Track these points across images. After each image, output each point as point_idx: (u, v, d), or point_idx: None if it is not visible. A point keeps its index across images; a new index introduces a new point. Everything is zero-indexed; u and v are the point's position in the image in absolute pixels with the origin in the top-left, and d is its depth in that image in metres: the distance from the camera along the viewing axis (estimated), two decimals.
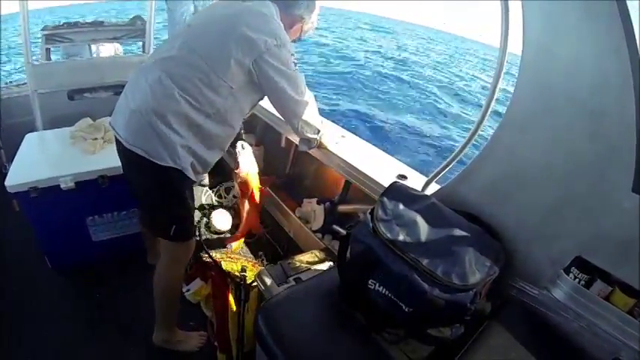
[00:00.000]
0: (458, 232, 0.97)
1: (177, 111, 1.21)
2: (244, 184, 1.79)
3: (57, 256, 1.90)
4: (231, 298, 1.51)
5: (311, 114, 1.44)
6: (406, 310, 0.90)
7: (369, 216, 1.01)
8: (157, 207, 1.37)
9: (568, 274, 0.95)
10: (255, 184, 2.01)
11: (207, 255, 1.86)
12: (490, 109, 1.10)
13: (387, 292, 0.92)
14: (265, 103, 2.47)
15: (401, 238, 0.94)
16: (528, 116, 1.00)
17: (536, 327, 0.95)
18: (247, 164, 1.76)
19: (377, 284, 0.94)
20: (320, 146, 1.65)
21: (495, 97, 1.08)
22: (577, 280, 0.94)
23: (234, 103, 1.31)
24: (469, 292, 0.85)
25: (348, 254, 1.02)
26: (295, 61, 1.33)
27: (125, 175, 1.43)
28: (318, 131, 1.54)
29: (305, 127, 1.47)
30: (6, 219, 2.08)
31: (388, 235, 0.95)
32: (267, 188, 2.29)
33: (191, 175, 1.30)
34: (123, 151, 1.28)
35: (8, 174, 1.63)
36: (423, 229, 0.97)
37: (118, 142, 1.30)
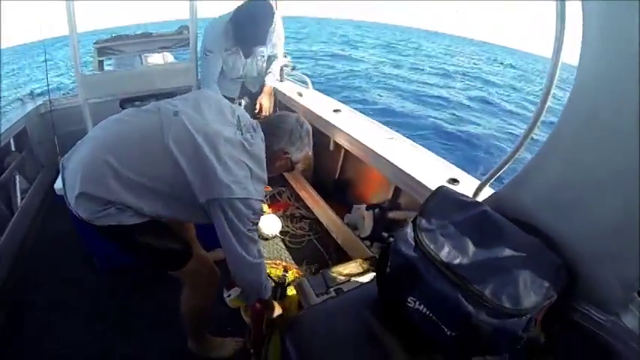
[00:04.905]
0: (512, 246, 0.86)
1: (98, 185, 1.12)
2: None
3: (103, 258, 1.98)
4: None
5: (256, 279, 1.27)
6: (448, 333, 0.81)
7: (411, 225, 0.93)
8: (129, 254, 1.30)
9: None
10: None
11: None
12: (547, 104, 0.97)
13: (427, 312, 0.84)
14: (311, 104, 2.49)
15: (445, 251, 0.85)
16: (590, 112, 0.86)
17: (600, 358, 0.84)
18: None
19: (417, 302, 0.86)
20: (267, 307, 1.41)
21: (552, 91, 0.95)
22: None
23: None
24: (522, 317, 0.75)
25: (388, 268, 0.94)
26: (256, 220, 1.19)
27: None
28: (258, 293, 1.32)
29: (245, 285, 1.30)
30: (62, 223, 2.22)
31: (431, 247, 0.86)
32: (315, 194, 2.32)
33: (133, 221, 1.15)
34: None
35: (58, 178, 1.70)
36: (472, 241, 0.87)
37: None
